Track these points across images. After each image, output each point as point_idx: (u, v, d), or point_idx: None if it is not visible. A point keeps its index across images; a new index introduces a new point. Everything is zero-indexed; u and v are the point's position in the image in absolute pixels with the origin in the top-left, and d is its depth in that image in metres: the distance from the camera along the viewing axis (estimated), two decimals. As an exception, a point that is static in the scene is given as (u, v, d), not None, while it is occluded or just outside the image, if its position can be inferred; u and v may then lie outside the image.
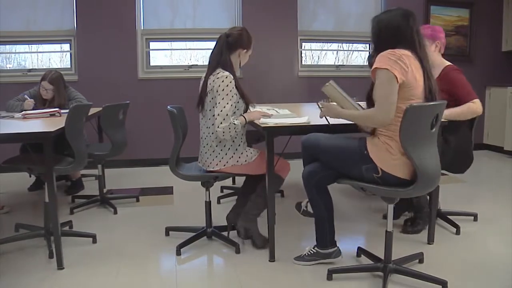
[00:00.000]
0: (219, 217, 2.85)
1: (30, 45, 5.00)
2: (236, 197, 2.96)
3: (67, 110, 2.64)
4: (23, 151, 3.55)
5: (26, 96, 3.52)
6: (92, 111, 3.29)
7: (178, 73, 5.08)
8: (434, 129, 1.94)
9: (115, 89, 4.79)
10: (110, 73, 4.84)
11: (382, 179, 1.99)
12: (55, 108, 3.28)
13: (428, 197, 2.74)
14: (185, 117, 2.77)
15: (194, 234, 2.67)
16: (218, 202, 3.50)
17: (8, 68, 4.98)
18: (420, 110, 1.87)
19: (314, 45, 5.61)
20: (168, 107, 2.55)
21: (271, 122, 2.38)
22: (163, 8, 5.01)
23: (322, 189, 2.23)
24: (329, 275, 2.19)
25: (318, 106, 2.23)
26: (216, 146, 2.51)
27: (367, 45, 5.55)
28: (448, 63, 2.75)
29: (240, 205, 2.74)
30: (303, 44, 5.40)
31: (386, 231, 2.13)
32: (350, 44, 5.66)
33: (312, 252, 2.36)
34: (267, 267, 2.38)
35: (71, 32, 4.82)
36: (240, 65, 2.63)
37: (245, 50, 2.60)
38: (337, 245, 2.36)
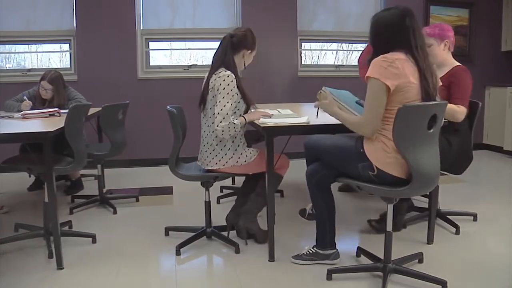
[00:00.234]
0: (219, 217, 2.85)
1: (29, 45, 5.00)
2: (235, 197, 2.95)
3: (66, 110, 2.64)
4: (22, 151, 3.55)
5: (25, 97, 3.52)
6: (92, 111, 3.29)
7: (177, 73, 5.08)
8: (432, 130, 1.93)
9: (115, 89, 4.79)
10: (110, 73, 4.83)
11: (377, 177, 2.00)
12: (54, 108, 3.28)
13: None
14: (184, 117, 2.77)
15: (193, 234, 2.67)
16: (218, 202, 3.50)
17: (7, 68, 4.98)
18: (412, 110, 1.87)
19: (314, 45, 5.62)
20: (168, 107, 2.55)
21: (270, 122, 2.37)
22: (163, 8, 5.01)
23: (323, 187, 2.25)
24: (329, 275, 2.19)
25: (322, 91, 2.24)
26: (217, 145, 2.51)
27: (367, 45, 5.54)
28: (458, 63, 2.75)
29: (239, 205, 2.74)
30: (303, 44, 5.40)
31: (386, 231, 2.13)
32: (350, 44, 5.66)
33: (311, 252, 2.36)
34: (267, 267, 2.38)
35: (70, 32, 4.82)
36: (244, 66, 2.63)
37: (249, 51, 2.60)
38: (337, 248, 2.36)
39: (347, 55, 5.74)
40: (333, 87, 2.40)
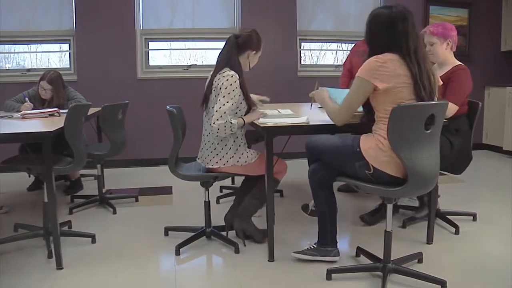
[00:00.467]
0: (218, 217, 2.85)
1: (29, 45, 5.00)
2: (235, 197, 2.96)
3: (66, 110, 2.64)
4: (22, 151, 3.55)
5: (26, 99, 3.51)
6: (91, 111, 3.28)
7: (177, 73, 5.07)
8: (430, 130, 1.92)
9: (114, 89, 4.79)
10: (109, 73, 4.83)
11: (374, 176, 2.01)
12: (54, 108, 3.28)
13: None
14: (184, 117, 2.77)
15: (193, 234, 2.67)
16: (217, 202, 3.50)
17: (7, 68, 4.97)
18: (406, 110, 1.87)
19: (313, 45, 5.62)
20: (168, 107, 2.55)
21: (270, 122, 2.38)
22: (162, 8, 5.01)
23: (324, 186, 2.28)
24: (328, 275, 2.19)
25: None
26: (218, 144, 2.51)
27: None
28: (459, 63, 2.75)
29: (238, 204, 2.74)
30: (302, 44, 5.40)
31: (385, 230, 2.13)
32: (349, 44, 5.65)
33: (312, 247, 2.38)
34: (266, 266, 2.38)
35: (70, 32, 4.82)
36: (249, 66, 2.64)
37: (254, 52, 2.61)
38: (338, 247, 2.36)
39: (347, 55, 5.73)
40: (333, 87, 2.41)
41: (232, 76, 2.44)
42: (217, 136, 2.47)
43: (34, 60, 5.07)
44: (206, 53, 5.37)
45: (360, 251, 2.45)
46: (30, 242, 2.66)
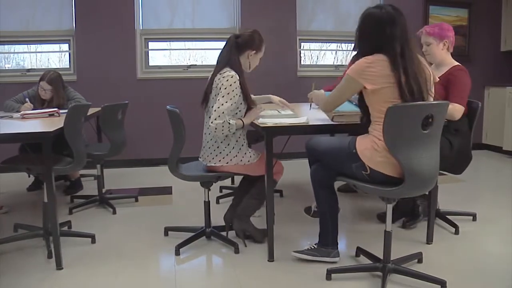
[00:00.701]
0: (218, 217, 2.84)
1: (29, 45, 5.00)
2: (235, 197, 2.96)
3: (66, 110, 2.64)
4: (22, 151, 3.55)
5: (26, 99, 3.51)
6: (91, 111, 3.28)
7: (177, 73, 5.07)
8: (428, 130, 1.91)
9: (114, 89, 4.79)
10: (109, 73, 4.83)
11: (370, 176, 2.02)
12: (54, 108, 3.28)
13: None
14: (183, 117, 2.76)
15: (193, 234, 2.67)
16: (217, 202, 3.50)
17: (7, 68, 4.97)
18: (401, 110, 1.87)
19: (313, 45, 5.62)
20: (168, 106, 2.55)
21: (270, 122, 2.38)
22: (162, 8, 5.01)
23: (325, 186, 2.29)
24: (328, 275, 2.19)
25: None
26: (221, 142, 2.51)
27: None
28: (457, 63, 2.74)
29: (237, 204, 2.75)
30: (302, 44, 5.40)
31: (385, 230, 2.13)
32: (349, 44, 5.66)
33: (312, 247, 2.39)
34: (266, 267, 2.38)
35: (70, 32, 4.82)
36: (250, 67, 2.64)
37: (254, 51, 2.61)
38: (338, 248, 2.37)
39: (346, 55, 5.74)
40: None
41: (232, 77, 2.44)
42: (215, 135, 2.47)
43: (34, 60, 5.07)
44: (206, 53, 5.37)
45: (360, 251, 2.45)
46: (30, 242, 2.66)
